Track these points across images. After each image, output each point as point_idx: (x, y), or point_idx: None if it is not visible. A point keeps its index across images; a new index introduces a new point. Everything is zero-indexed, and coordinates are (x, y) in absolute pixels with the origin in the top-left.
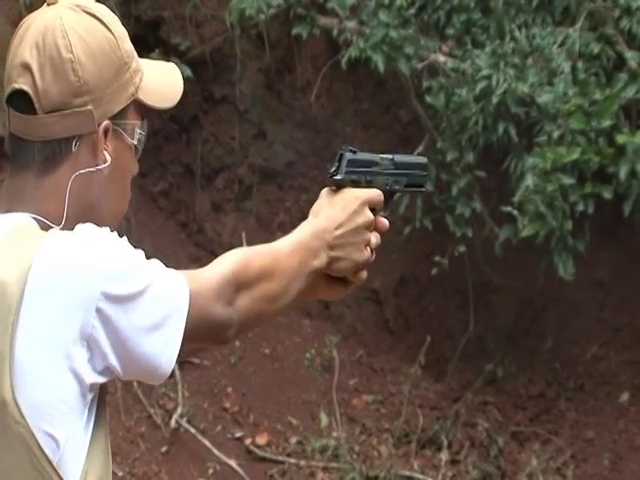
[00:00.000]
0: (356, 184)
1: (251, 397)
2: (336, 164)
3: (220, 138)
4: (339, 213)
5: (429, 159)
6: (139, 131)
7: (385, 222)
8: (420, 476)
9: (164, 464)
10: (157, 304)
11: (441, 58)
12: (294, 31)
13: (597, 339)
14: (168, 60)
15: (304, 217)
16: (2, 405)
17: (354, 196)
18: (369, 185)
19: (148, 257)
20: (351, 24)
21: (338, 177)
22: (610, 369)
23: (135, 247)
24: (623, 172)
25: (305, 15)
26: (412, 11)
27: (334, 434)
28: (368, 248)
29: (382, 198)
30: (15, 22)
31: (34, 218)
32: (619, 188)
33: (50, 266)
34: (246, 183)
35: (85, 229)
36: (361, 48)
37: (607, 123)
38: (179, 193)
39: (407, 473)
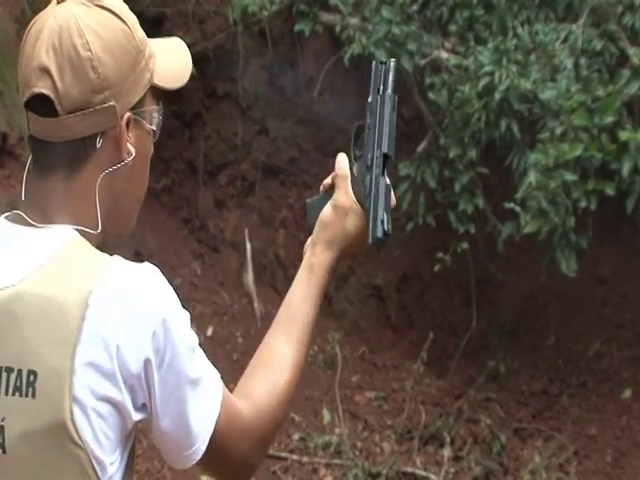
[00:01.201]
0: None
1: None
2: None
3: (223, 134)
4: (352, 247)
5: (432, 155)
6: (157, 116)
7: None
8: (423, 472)
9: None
10: (200, 393)
11: (444, 54)
12: (297, 27)
13: (600, 336)
14: None
15: (306, 212)
16: (61, 426)
17: (363, 227)
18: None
19: (151, 253)
20: (354, 20)
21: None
22: (613, 366)
23: (139, 248)
24: (626, 169)
25: (308, 11)
26: (415, 7)
27: (336, 430)
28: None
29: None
30: (18, 19)
31: (77, 230)
32: (622, 185)
33: (112, 296)
34: (249, 179)
35: (149, 268)
36: (364, 44)
37: (610, 120)
38: (182, 189)
39: (409, 469)
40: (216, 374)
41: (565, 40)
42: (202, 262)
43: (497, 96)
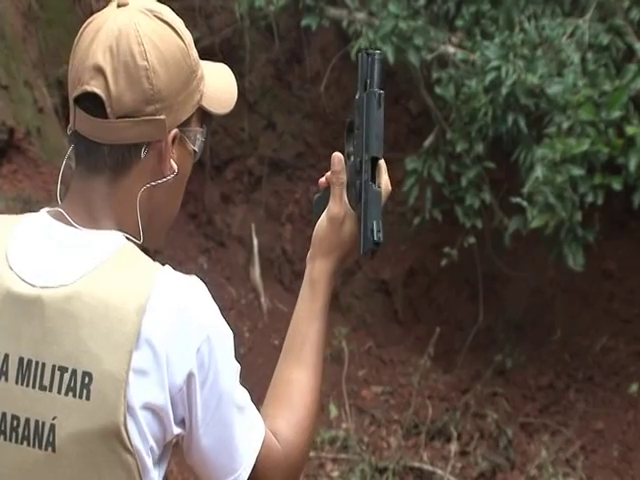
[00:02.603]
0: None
1: (260, 388)
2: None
3: (229, 129)
4: (347, 253)
5: (439, 150)
6: (200, 138)
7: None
8: (429, 467)
9: (173, 455)
10: (242, 419)
11: (450, 49)
12: (303, 22)
13: (606, 330)
14: None
15: (313, 209)
16: (114, 430)
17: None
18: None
19: (157, 248)
20: (360, 15)
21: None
22: (620, 360)
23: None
24: (633, 163)
25: (314, 6)
26: (421, 2)
27: (343, 425)
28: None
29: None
30: (24, 14)
31: (127, 238)
32: (629, 179)
33: (167, 305)
34: (255, 174)
35: (196, 281)
36: (370, 39)
37: (617, 114)
38: (188, 184)
39: (416, 464)
40: (254, 412)
41: (572, 35)
42: (209, 257)
43: (504, 91)
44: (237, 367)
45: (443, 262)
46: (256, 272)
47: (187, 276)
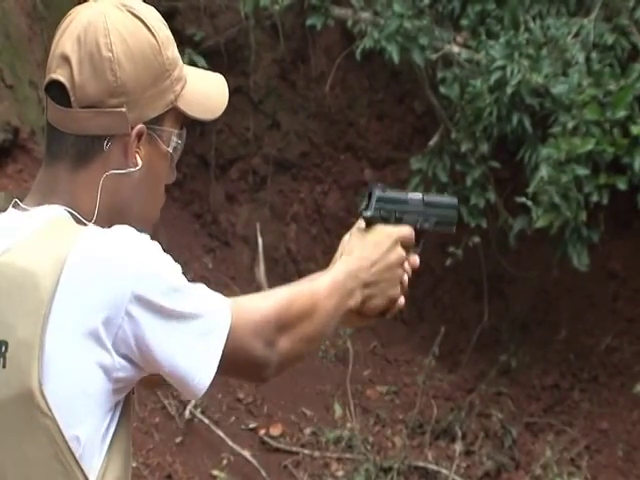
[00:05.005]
0: (386, 221)
1: (265, 388)
2: (366, 201)
3: (234, 129)
4: (372, 251)
5: (443, 150)
6: (175, 140)
7: (416, 259)
8: (434, 467)
9: (178, 455)
10: (198, 326)
11: (455, 49)
12: (308, 22)
13: (611, 330)
14: (182, 51)
15: (318, 208)
16: (29, 396)
17: (387, 233)
18: (399, 222)
19: (162, 248)
20: (365, 15)
21: (368, 213)
22: (624, 360)
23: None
24: (638, 163)
25: (319, 6)
26: (426, 2)
27: (348, 425)
28: (400, 285)
29: (413, 235)
30: (29, 14)
31: (68, 211)
32: (634, 179)
33: (85, 259)
34: (260, 174)
35: (125, 229)
36: (375, 39)
37: (621, 114)
38: (193, 184)
39: (421, 464)
40: (216, 301)
41: (577, 34)
42: (214, 256)
43: (509, 90)
44: (175, 284)
45: (448, 262)
46: (261, 271)
47: (114, 229)
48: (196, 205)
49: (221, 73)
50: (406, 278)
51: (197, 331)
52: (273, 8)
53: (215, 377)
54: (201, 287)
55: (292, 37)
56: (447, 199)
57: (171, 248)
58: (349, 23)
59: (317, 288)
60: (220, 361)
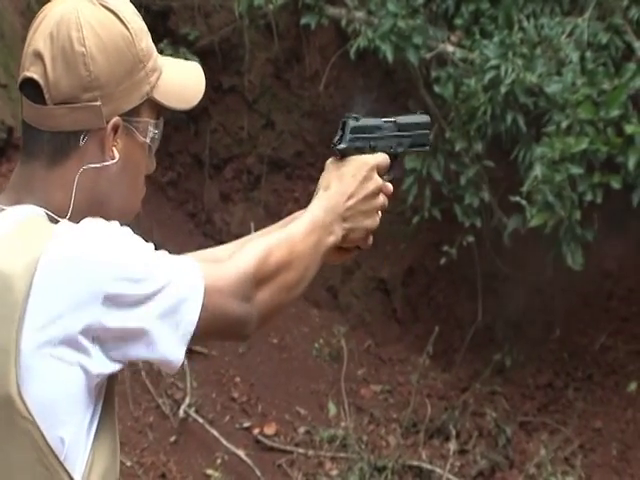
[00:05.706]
0: (360, 151)
1: (259, 387)
2: (339, 133)
3: (229, 128)
4: (349, 183)
5: (438, 149)
6: (152, 130)
7: (390, 186)
8: (428, 466)
9: (172, 454)
10: (170, 300)
11: (449, 48)
12: (303, 21)
13: (605, 329)
14: (177, 50)
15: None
16: (8, 401)
17: (362, 162)
18: (373, 150)
19: (157, 248)
20: (359, 14)
21: (343, 146)
22: (618, 359)
23: (144, 239)
24: (632, 162)
25: (313, 5)
26: (420, 1)
27: (342, 424)
28: (378, 213)
29: (388, 162)
30: (23, 12)
31: (42, 210)
32: (628, 178)
33: (58, 258)
34: (255, 173)
35: (94, 223)
36: (369, 38)
37: (615, 113)
38: (188, 183)
39: (415, 463)
40: (186, 270)
41: (571, 34)
42: None
43: (503, 89)
44: (136, 272)
45: (442, 261)
46: None
47: (84, 223)
48: (190, 204)
49: (215, 72)
50: (384, 204)
51: (169, 307)
52: (267, 7)
53: (197, 341)
54: (172, 258)
55: (286, 36)
56: (419, 117)
57: (165, 247)
58: (343, 22)
59: (294, 232)
60: (196, 329)
